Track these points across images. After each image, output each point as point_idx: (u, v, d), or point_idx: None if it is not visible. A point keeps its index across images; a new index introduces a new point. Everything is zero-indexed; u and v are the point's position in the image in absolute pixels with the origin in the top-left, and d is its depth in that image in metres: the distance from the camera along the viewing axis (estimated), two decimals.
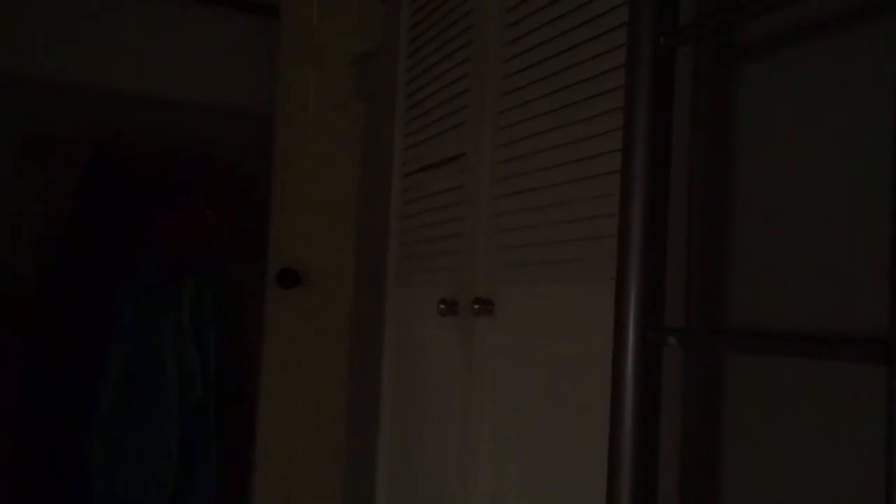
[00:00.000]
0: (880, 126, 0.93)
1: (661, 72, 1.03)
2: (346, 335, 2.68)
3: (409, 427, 2.04)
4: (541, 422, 1.48)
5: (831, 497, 0.97)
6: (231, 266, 3.24)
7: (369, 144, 2.52)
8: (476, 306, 1.66)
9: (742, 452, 1.08)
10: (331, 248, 2.84)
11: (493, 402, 1.64)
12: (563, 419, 1.42)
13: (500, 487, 1.61)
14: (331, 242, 2.85)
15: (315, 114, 2.89)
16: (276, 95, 2.88)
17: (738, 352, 1.10)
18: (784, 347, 0.95)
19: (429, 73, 2.02)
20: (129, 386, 2.87)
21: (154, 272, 2.94)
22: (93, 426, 2.81)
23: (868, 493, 0.91)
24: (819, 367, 0.98)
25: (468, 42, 1.83)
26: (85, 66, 3.15)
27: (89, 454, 2.81)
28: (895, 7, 0.94)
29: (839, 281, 0.97)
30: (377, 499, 2.13)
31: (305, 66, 2.88)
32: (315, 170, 2.90)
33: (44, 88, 3.06)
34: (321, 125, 2.89)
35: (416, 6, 2.13)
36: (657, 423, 1.00)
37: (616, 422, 0.99)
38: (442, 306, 1.78)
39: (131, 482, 2.82)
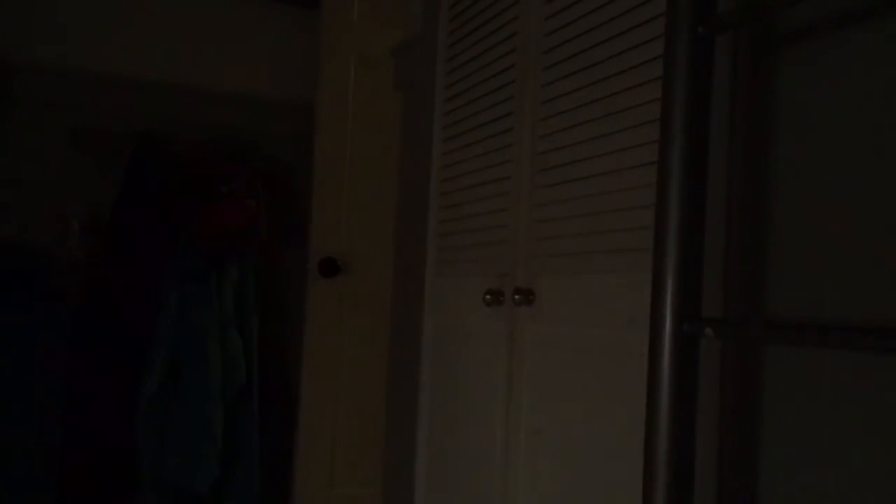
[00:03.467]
0: None
1: (699, 61, 1.02)
2: (386, 323, 2.70)
3: (448, 414, 2.05)
4: (580, 413, 1.49)
5: (871, 493, 0.96)
6: (273, 255, 3.28)
7: (409, 134, 2.53)
8: (517, 296, 1.66)
9: (780, 446, 1.07)
10: (371, 238, 2.87)
11: (532, 392, 1.65)
12: (602, 410, 1.42)
13: (538, 477, 1.61)
14: (371, 232, 2.87)
15: (355, 104, 2.91)
16: (317, 85, 2.90)
17: (776, 343, 1.09)
18: (824, 339, 0.94)
19: (471, 63, 2.02)
20: (174, 372, 2.92)
21: (198, 261, 2.98)
22: (139, 412, 2.88)
23: None
24: (860, 359, 0.97)
25: (514, 33, 1.82)
26: (130, 58, 3.21)
27: (136, 439, 2.88)
28: None
29: (880, 272, 0.95)
30: (417, 482, 2.16)
31: (346, 56, 2.90)
32: (356, 159, 2.92)
33: (90, 80, 3.12)
34: (362, 115, 2.91)
35: None
36: (694, 414, 1.00)
37: (652, 413, 0.98)
38: (488, 297, 1.77)
39: (177, 466, 2.88)
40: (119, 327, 2.93)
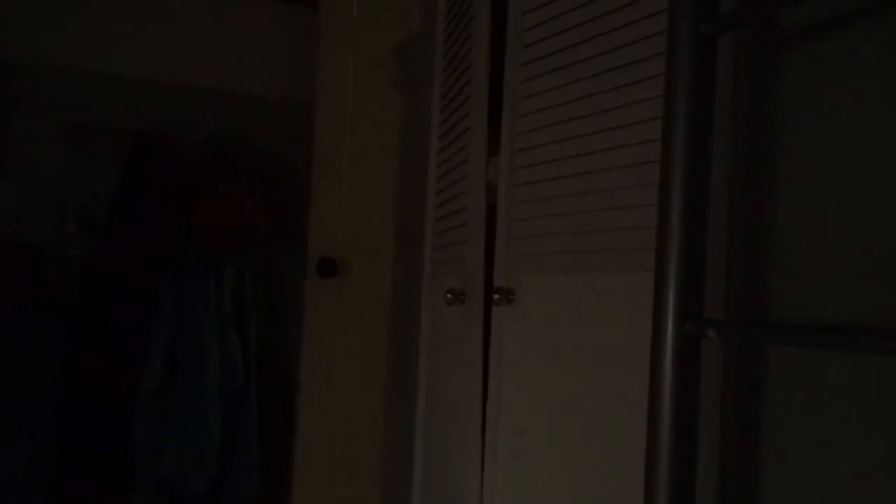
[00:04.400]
0: None
1: (701, 60, 1.01)
2: (385, 323, 2.70)
3: (439, 416, 2.04)
4: (566, 413, 1.47)
5: (874, 493, 0.95)
6: (272, 254, 3.28)
7: (408, 133, 2.52)
8: (496, 296, 1.63)
9: (782, 448, 1.07)
10: (369, 238, 2.86)
11: (515, 393, 1.63)
12: (588, 410, 1.41)
13: (523, 478, 1.60)
14: (370, 232, 2.86)
15: (354, 103, 2.91)
16: (316, 84, 2.90)
17: (779, 344, 1.08)
18: (827, 340, 0.93)
19: (458, 61, 2.01)
20: (171, 372, 2.91)
21: (196, 260, 2.98)
22: (136, 412, 2.87)
23: None
24: (863, 360, 0.96)
25: None
26: (129, 57, 3.20)
27: (133, 438, 2.87)
28: None
29: (881, 273, 0.95)
30: (415, 484, 2.15)
31: (345, 55, 2.89)
32: (354, 159, 2.91)
33: (88, 78, 3.12)
34: (361, 114, 2.90)
35: None
36: (696, 415, 0.99)
37: (654, 413, 0.98)
38: (448, 296, 1.75)
39: (174, 466, 2.87)
40: (116, 326, 2.92)
